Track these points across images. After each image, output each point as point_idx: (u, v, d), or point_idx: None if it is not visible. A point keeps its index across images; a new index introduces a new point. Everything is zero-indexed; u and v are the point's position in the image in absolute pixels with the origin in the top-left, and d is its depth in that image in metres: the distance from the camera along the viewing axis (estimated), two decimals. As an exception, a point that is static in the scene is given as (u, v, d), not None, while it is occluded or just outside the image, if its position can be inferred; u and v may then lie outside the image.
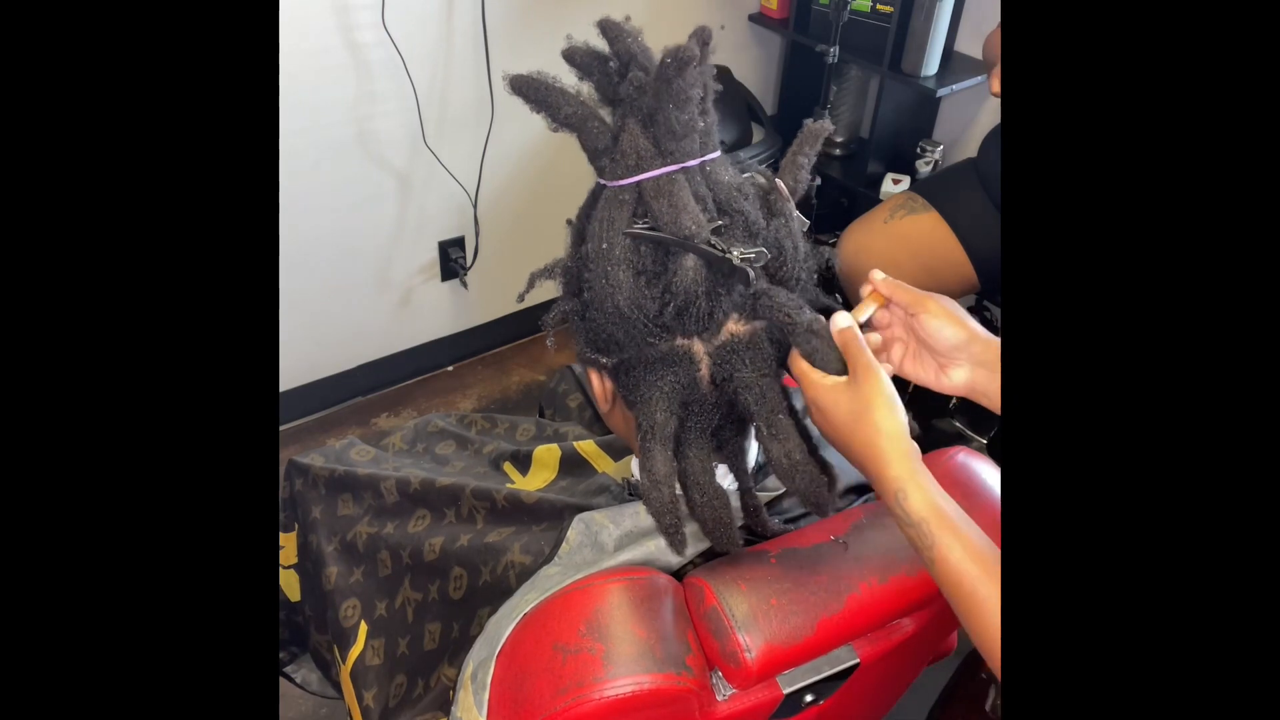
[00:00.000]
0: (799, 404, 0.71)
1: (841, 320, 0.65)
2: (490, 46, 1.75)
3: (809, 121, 0.73)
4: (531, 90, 0.65)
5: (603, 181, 0.66)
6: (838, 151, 2.25)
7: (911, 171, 2.09)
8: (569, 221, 0.71)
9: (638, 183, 0.63)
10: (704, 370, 0.67)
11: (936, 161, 2.08)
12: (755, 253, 0.64)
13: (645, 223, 0.63)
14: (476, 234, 1.97)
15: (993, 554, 0.56)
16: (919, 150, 2.08)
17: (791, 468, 0.65)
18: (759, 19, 2.16)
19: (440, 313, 2.10)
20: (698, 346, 0.67)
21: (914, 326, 0.69)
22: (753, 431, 0.71)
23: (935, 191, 1.61)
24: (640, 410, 0.67)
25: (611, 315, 0.65)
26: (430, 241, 1.96)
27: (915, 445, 0.61)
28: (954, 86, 1.89)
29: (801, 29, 2.07)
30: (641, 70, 0.65)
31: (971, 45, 1.99)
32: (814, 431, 0.84)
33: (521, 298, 0.72)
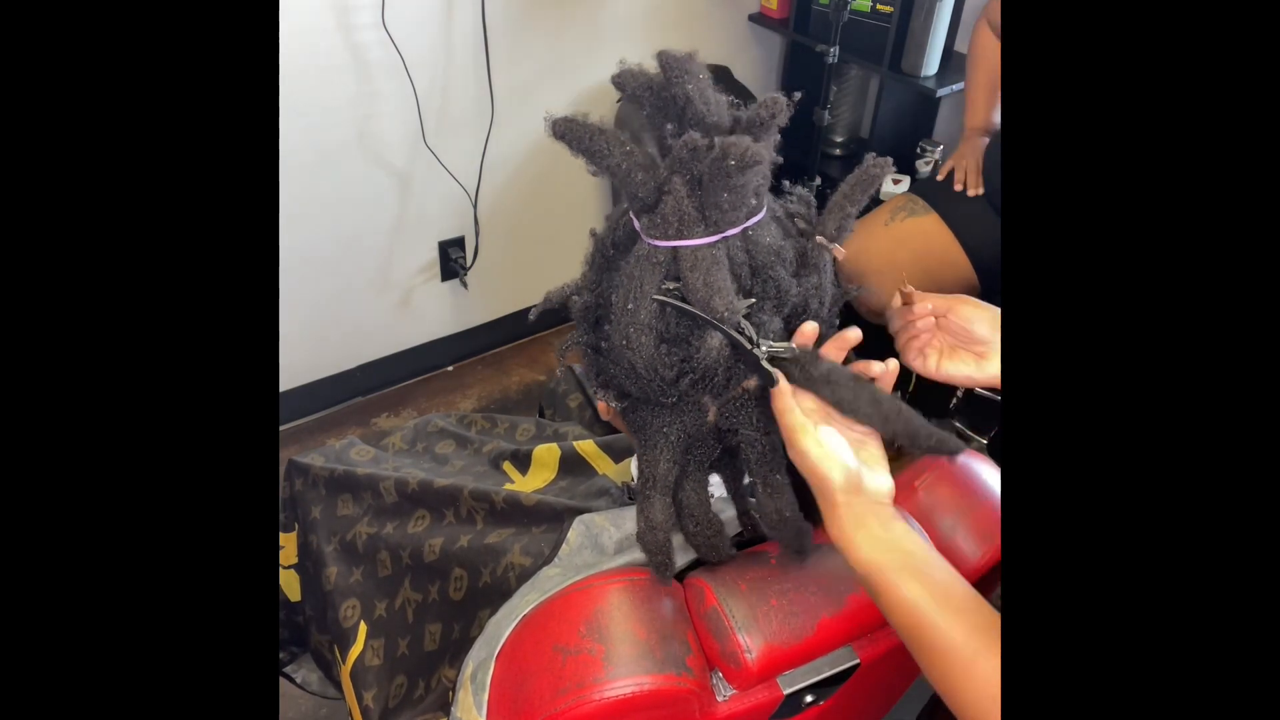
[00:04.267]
0: None
1: (783, 388, 0.61)
2: (490, 47, 1.75)
3: (870, 157, 0.67)
4: (574, 136, 0.58)
5: (638, 228, 0.62)
6: (838, 152, 2.25)
7: (911, 171, 2.09)
8: (592, 232, 0.69)
9: (675, 247, 0.60)
10: (711, 417, 0.67)
11: (936, 162, 2.07)
12: (784, 347, 0.62)
13: (677, 287, 0.60)
14: (476, 234, 1.97)
15: (930, 600, 0.56)
16: (919, 150, 2.08)
17: (780, 523, 0.66)
18: (759, 19, 2.16)
19: (440, 313, 2.10)
20: (707, 398, 0.66)
21: (947, 326, 0.72)
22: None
23: (936, 193, 1.62)
24: (644, 458, 0.67)
25: (626, 370, 0.63)
26: (430, 241, 1.96)
27: (860, 481, 0.59)
28: (954, 86, 1.89)
29: (801, 29, 2.06)
30: (697, 124, 0.61)
31: (971, 45, 1.99)
32: None
33: (533, 315, 0.72)
